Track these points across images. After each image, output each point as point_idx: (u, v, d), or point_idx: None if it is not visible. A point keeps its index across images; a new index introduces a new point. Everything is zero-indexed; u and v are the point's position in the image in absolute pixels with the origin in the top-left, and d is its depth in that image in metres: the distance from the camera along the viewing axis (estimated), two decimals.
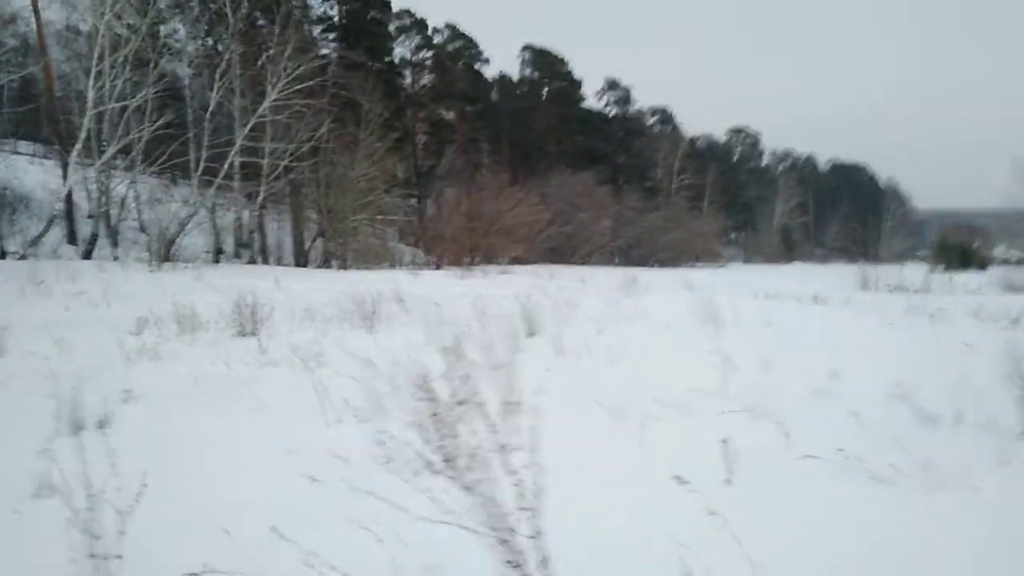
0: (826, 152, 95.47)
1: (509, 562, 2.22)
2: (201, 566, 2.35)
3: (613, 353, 6.43)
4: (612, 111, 57.33)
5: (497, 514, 2.31)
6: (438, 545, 2.52)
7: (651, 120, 62.42)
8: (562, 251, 39.22)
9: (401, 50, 41.80)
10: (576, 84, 52.68)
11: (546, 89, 52.06)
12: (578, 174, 42.41)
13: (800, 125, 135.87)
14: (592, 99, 55.40)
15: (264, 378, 5.72)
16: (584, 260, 39.89)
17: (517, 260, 34.75)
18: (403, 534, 2.63)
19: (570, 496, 2.76)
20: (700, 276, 26.33)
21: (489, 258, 34.09)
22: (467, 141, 45.31)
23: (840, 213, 67.72)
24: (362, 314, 9.04)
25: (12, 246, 20.40)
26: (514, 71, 52.16)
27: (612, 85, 56.96)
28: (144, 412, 4.46)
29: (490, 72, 49.98)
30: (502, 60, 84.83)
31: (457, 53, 46.31)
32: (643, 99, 61.67)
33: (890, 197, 69.66)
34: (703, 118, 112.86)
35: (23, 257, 19.59)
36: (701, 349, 6.30)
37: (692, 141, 64.01)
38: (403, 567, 2.53)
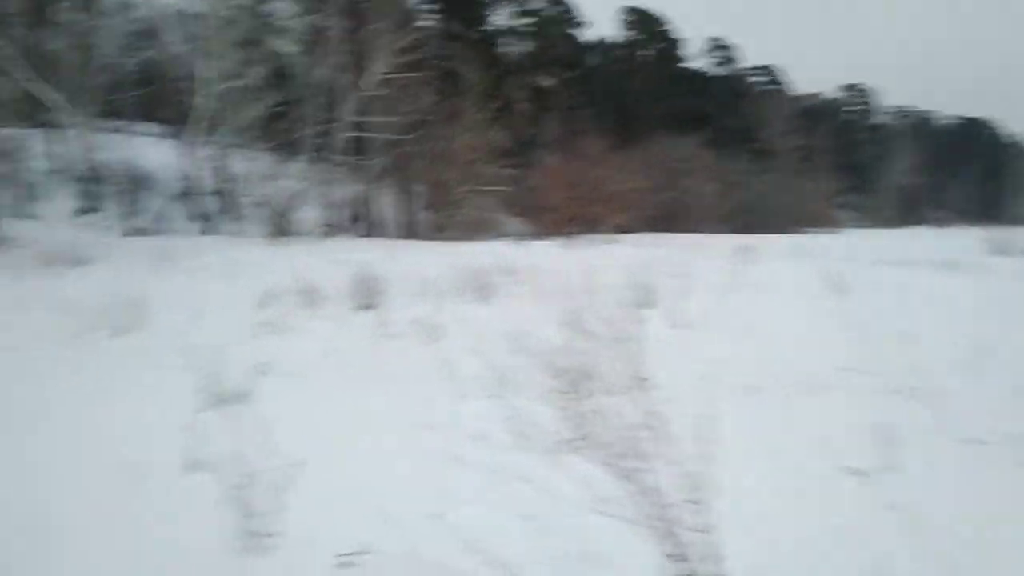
0: (949, 110, 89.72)
1: (673, 555, 2.12)
2: (357, 545, 2.36)
3: (737, 325, 6.19)
4: (716, 71, 55.52)
5: (656, 503, 2.21)
6: (591, 531, 2.44)
7: (757, 79, 60.12)
8: (666, 219, 38.43)
9: (499, 18, 41.56)
10: (677, 44, 51.22)
11: (646, 51, 50.83)
12: (681, 138, 41.32)
13: (920, 81, 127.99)
14: (695, 59, 53.81)
15: (388, 351, 5.79)
16: (689, 228, 38.98)
17: (620, 229, 34.27)
18: (554, 518, 2.57)
19: (728, 485, 2.61)
20: (815, 242, 25.28)
21: (591, 227, 33.75)
22: (567, 108, 44.78)
23: (964, 173, 63.69)
24: (476, 286, 9.06)
25: (138, 223, 21.48)
26: (612, 34, 51.16)
27: (716, 44, 55.13)
28: (280, 386, 4.57)
29: (589, 36, 49.17)
30: (601, 23, 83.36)
31: (555, 19, 45.69)
32: (749, 57, 59.52)
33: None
34: (814, 76, 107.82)
35: (150, 233, 20.63)
36: (833, 321, 5.98)
37: (802, 100, 61.33)
38: (560, 553, 2.47)
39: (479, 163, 29.51)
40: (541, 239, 28.61)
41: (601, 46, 50.26)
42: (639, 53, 50.85)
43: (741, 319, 6.39)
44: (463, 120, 28.97)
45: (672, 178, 38.43)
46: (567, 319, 5.10)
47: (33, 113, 21.66)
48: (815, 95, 67.35)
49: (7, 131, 21.44)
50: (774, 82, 60.62)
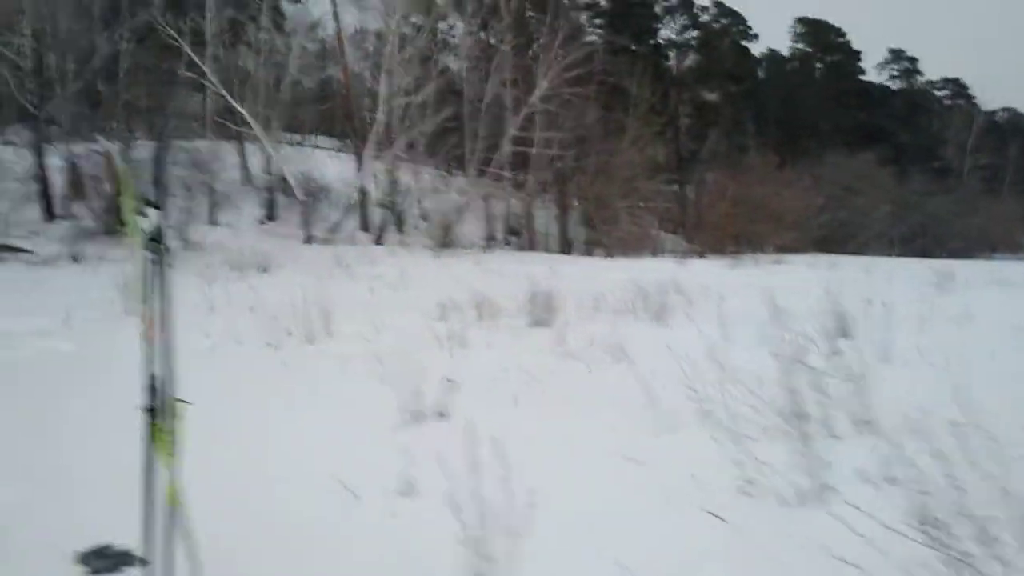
0: None
1: None
2: None
3: (942, 361, 5.57)
4: (895, 84, 52.24)
5: None
6: None
7: (941, 93, 56.04)
8: (835, 239, 36.36)
9: (667, 31, 41.03)
10: (854, 56, 48.62)
11: (819, 63, 48.58)
12: (855, 155, 39.05)
13: None
14: (872, 72, 50.88)
15: (574, 371, 5.65)
16: (859, 249, 36.71)
17: (785, 248, 32.75)
18: None
19: None
20: (1013, 269, 23.03)
21: (753, 246, 32.48)
22: (731, 123, 43.51)
23: None
24: (648, 305, 8.79)
25: (317, 232, 22.64)
26: (783, 46, 49.27)
27: (896, 55, 51.90)
28: (473, 404, 4.51)
29: (757, 49, 47.64)
30: (770, 35, 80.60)
31: (724, 31, 44.61)
32: (932, 70, 55.62)
33: None
34: (1004, 89, 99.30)
35: (326, 242, 21.68)
36: None
37: (990, 115, 56.55)
38: None
39: (640, 178, 29.16)
40: (702, 257, 27.83)
41: (771, 59, 48.55)
42: (812, 66, 48.66)
43: (948, 354, 5.76)
44: (626, 135, 28.74)
45: (843, 197, 36.40)
46: (763, 345, 4.76)
47: (225, 127, 23.40)
48: (1006, 110, 61.94)
49: (203, 144, 23.27)
50: (959, 96, 56.27)
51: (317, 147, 32.48)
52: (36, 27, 18.97)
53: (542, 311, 8.24)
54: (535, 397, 4.89)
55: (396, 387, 4.54)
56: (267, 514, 3.09)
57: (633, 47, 32.38)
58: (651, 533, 2.84)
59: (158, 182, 2.48)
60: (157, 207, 2.30)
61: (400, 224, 25.46)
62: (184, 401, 2.23)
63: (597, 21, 35.91)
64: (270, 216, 24.35)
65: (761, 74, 48.14)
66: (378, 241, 23.38)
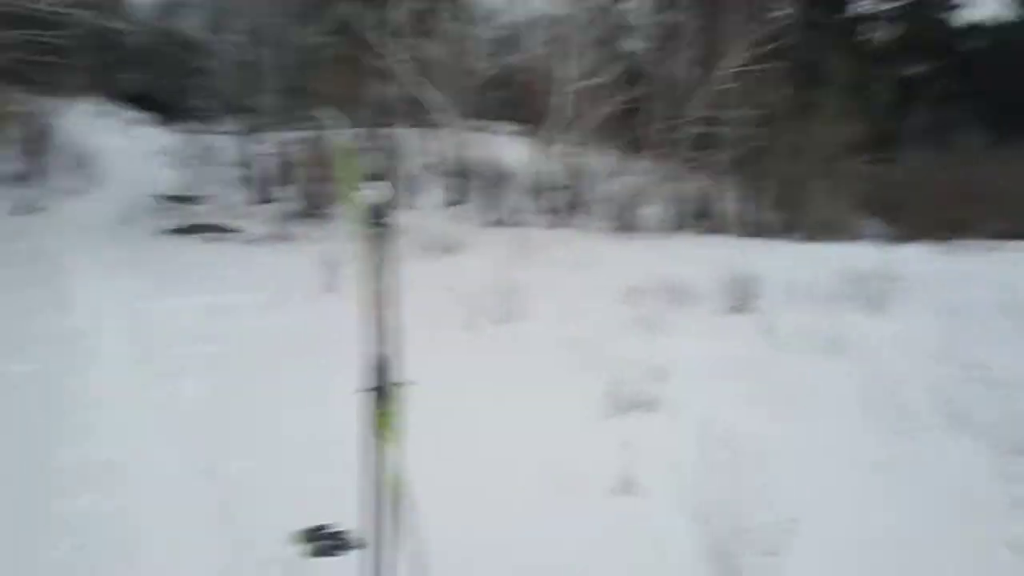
0: None
1: None
2: None
3: None
4: None
5: None
6: None
7: None
8: None
9: (862, 5, 38.00)
10: None
11: None
12: None
13: None
14: None
15: (787, 364, 5.21)
16: None
17: (1001, 234, 29.52)
18: None
19: None
20: None
21: (962, 232, 29.49)
22: (936, 99, 39.71)
23: None
24: (859, 292, 8.05)
25: (498, 215, 22.93)
26: (999, 14, 44.23)
27: None
28: (683, 394, 4.21)
29: (968, 18, 43.09)
30: (981, 3, 72.97)
31: (926, 1, 40.71)
32: None
33: None
34: None
35: (507, 225, 21.91)
36: None
37: None
38: None
39: (835, 158, 27.29)
40: (906, 242, 25.62)
41: (982, 29, 43.79)
42: None
43: None
44: (819, 113, 26.94)
45: None
46: (1005, 343, 4.13)
47: (413, 115, 24.16)
48: None
49: (394, 131, 24.18)
50: None
51: (499, 132, 32.92)
52: (247, 25, 20.38)
53: (741, 297, 7.74)
54: (754, 391, 4.52)
55: (598, 374, 4.33)
56: (480, 507, 2.97)
57: (827, 20, 30.23)
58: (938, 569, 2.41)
59: (386, 154, 2.41)
60: (381, 181, 2.21)
61: (579, 207, 25.30)
62: (407, 383, 2.12)
63: None
64: (454, 200, 25.01)
65: (971, 45, 43.58)
66: (557, 224, 23.35)
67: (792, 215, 27.24)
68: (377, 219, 2.20)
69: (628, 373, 4.33)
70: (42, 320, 7.20)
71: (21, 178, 20.23)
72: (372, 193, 2.20)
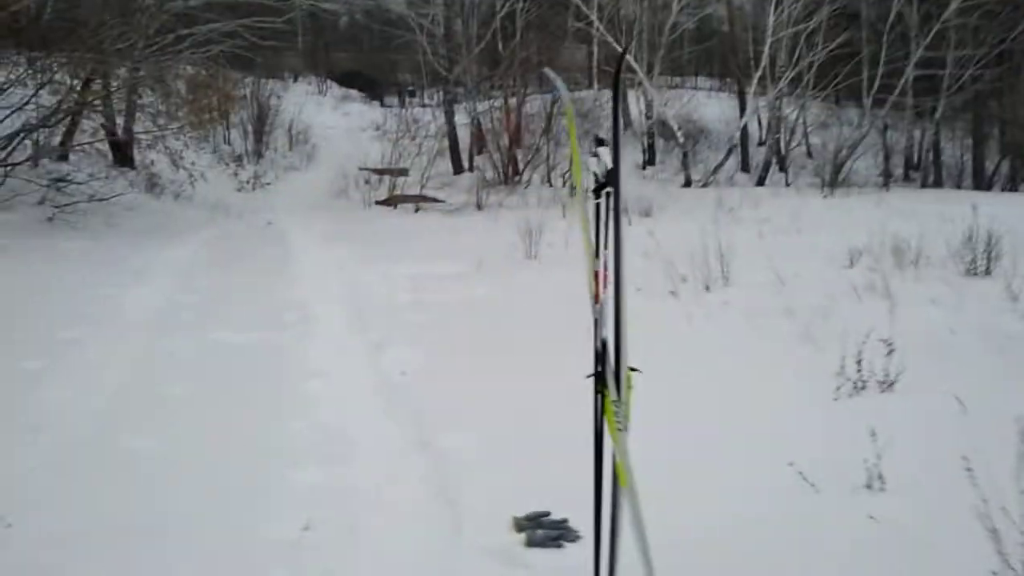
0: None
1: None
2: None
3: None
4: None
5: None
6: None
7: None
8: None
9: None
10: None
11: None
12: None
13: None
14: None
15: None
16: None
17: None
18: None
19: None
20: None
21: None
22: None
23: None
24: None
25: (696, 175, 22.17)
26: None
27: None
28: (929, 373, 3.77)
29: None
30: None
31: None
32: None
33: None
34: None
35: (705, 185, 21.14)
36: None
37: None
38: None
39: None
40: None
41: None
42: None
43: None
44: None
45: None
46: None
47: (609, 75, 23.75)
48: None
49: (588, 93, 23.94)
50: None
51: (697, 88, 31.75)
52: None
53: (982, 258, 6.90)
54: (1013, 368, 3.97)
55: (823, 348, 3.98)
56: (715, 498, 2.79)
57: None
58: None
59: (612, 119, 2.27)
60: (607, 145, 2.07)
61: (785, 163, 23.90)
62: (634, 369, 1.99)
63: None
64: (650, 160, 24.45)
65: None
66: (760, 182, 22.22)
67: (1021, 164, 24.13)
68: (602, 185, 2.07)
69: (859, 347, 3.93)
70: (267, 292, 7.77)
71: (249, 156, 22.12)
72: (601, 153, 2.07)
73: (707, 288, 6.72)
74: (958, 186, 25.11)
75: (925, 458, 2.37)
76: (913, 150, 26.33)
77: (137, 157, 16.43)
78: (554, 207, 15.50)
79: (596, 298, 2.04)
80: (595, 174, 2.06)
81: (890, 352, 3.86)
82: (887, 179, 23.73)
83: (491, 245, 10.27)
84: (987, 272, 6.73)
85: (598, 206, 2.06)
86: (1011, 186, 24.73)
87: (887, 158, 24.32)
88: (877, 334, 4.08)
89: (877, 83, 22.63)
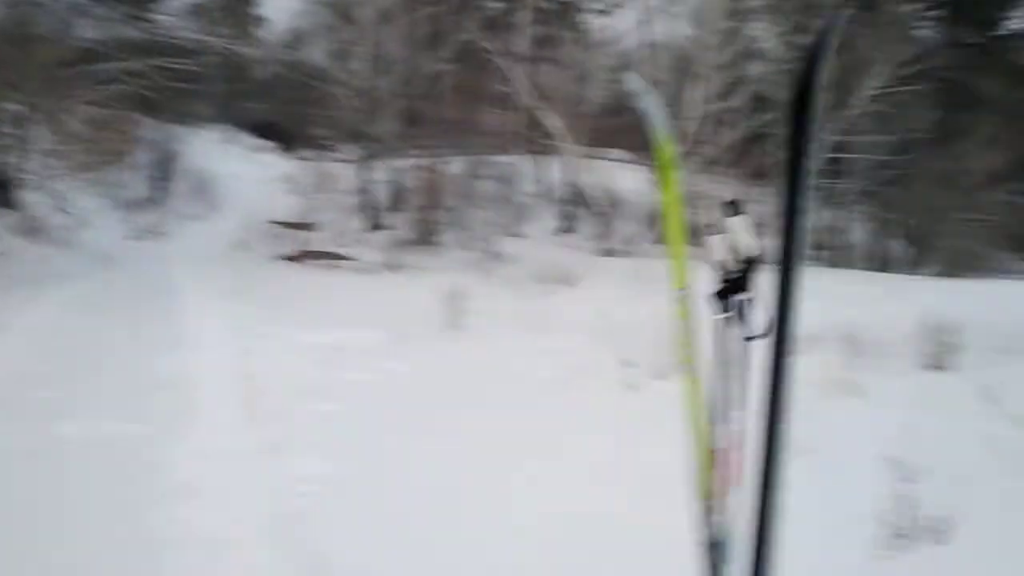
0: None
1: None
2: None
3: None
4: None
5: None
6: None
7: None
8: None
9: (1016, 21, 35.19)
10: None
11: None
12: None
13: None
14: None
15: None
16: None
17: None
18: None
19: None
20: None
21: None
22: None
23: None
24: None
25: (612, 244, 22.00)
26: None
27: None
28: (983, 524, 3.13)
29: None
30: None
31: None
32: None
33: None
34: None
35: (623, 255, 20.99)
36: None
37: None
38: None
39: (979, 188, 25.06)
40: None
41: None
42: None
43: None
44: (965, 138, 24.85)
45: None
46: None
47: (526, 142, 23.57)
48: None
49: (506, 159, 23.66)
50: None
51: (613, 159, 32.04)
52: (369, 53, 20.27)
53: (937, 348, 6.50)
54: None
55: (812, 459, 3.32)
56: None
57: (975, 39, 28.08)
58: None
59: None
60: (742, 213, 1.29)
61: (699, 237, 24.05)
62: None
63: (932, 14, 31.69)
64: (566, 228, 24.21)
65: None
66: None
67: (923, 248, 25.08)
68: (734, 284, 1.28)
69: (869, 474, 3.28)
70: (134, 362, 6.58)
71: (146, 202, 20.66)
72: (735, 224, 1.29)
73: (662, 376, 6.05)
74: (853, 267, 25.84)
75: None
76: (820, 231, 27.05)
77: (22, 197, 14.91)
78: (475, 272, 14.83)
79: (710, 495, 1.23)
80: (721, 264, 1.28)
81: (909, 480, 3.21)
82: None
83: (410, 312, 9.39)
84: (948, 367, 6.32)
85: (725, 321, 1.27)
86: (910, 269, 25.63)
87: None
88: (883, 455, 3.46)
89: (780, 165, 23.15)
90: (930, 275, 23.41)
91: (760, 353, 1.22)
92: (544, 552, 3.13)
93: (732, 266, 1.18)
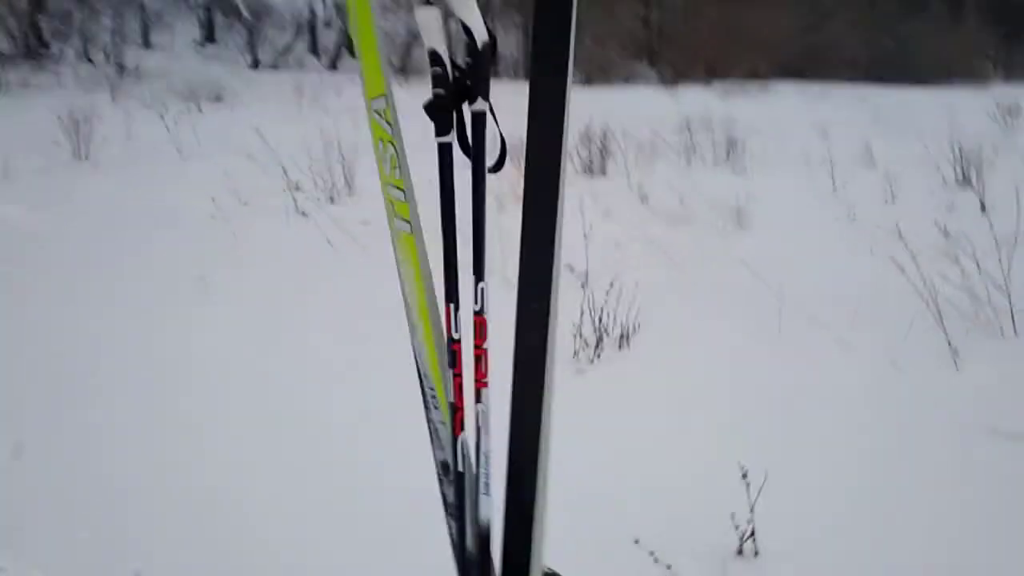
0: None
1: None
2: None
3: None
4: None
5: None
6: None
7: None
8: (801, 67, 34.45)
9: None
10: None
11: None
12: None
13: None
14: None
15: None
16: (827, 76, 35.11)
17: (755, 75, 30.88)
18: None
19: None
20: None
21: (722, 73, 30.47)
22: None
23: None
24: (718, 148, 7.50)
25: (263, 56, 20.25)
26: None
27: None
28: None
29: None
30: None
31: None
32: None
33: None
34: None
35: (275, 68, 19.48)
36: None
37: None
38: None
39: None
40: (677, 85, 25.94)
41: None
42: None
43: None
44: None
45: (816, 22, 34.48)
46: None
47: None
48: None
49: None
50: None
51: None
52: None
53: (597, 156, 6.86)
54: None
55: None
56: None
57: None
58: None
59: None
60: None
61: (350, 47, 22.99)
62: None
63: None
64: (209, 38, 21.67)
65: None
66: (333, 66, 21.09)
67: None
68: (465, 91, 0.85)
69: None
70: None
71: None
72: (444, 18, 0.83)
73: (332, 199, 5.63)
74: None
75: None
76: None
77: None
78: (99, 90, 12.75)
79: (446, 402, 0.87)
80: (437, 55, 0.85)
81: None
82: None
83: (21, 141, 7.69)
84: (604, 172, 6.68)
85: (443, 148, 0.87)
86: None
87: None
88: None
89: None
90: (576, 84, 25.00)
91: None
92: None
93: (455, 60, 0.81)
